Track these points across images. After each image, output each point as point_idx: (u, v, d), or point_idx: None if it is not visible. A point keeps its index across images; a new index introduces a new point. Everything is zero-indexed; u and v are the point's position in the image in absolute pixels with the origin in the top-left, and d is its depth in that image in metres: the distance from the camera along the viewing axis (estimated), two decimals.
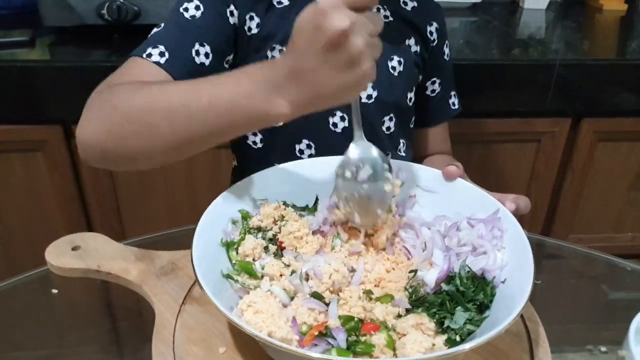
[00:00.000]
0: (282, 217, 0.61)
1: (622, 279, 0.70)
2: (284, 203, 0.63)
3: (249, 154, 0.83)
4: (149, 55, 0.66)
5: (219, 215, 0.58)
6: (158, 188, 1.29)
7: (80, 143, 0.60)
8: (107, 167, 0.66)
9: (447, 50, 0.90)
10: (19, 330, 0.58)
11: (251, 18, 0.74)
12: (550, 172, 1.39)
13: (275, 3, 0.75)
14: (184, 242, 0.56)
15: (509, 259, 0.54)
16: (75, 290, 0.64)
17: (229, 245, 0.57)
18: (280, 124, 0.54)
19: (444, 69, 0.91)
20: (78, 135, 0.60)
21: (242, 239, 0.58)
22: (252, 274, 0.55)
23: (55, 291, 0.63)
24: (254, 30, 0.75)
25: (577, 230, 1.46)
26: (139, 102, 0.56)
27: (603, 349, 0.57)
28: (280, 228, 0.59)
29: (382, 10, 0.84)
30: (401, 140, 0.87)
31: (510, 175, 1.38)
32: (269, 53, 0.76)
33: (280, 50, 0.76)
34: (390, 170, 0.58)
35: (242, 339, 0.55)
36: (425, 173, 0.66)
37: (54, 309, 0.61)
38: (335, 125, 0.79)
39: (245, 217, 0.60)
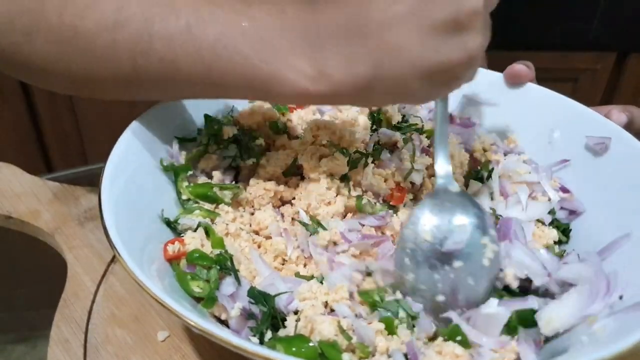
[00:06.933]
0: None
1: None
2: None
3: None
4: None
5: (160, 124, 0.38)
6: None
7: None
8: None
9: None
10: None
11: None
12: None
13: None
14: None
15: None
16: None
17: (176, 172, 0.37)
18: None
19: None
20: None
21: (204, 152, 0.38)
22: (212, 200, 0.36)
23: None
24: None
25: None
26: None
27: None
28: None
29: None
30: None
31: None
32: None
33: None
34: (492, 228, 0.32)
35: None
36: (481, 76, 0.43)
37: None
38: None
39: (212, 120, 0.40)
